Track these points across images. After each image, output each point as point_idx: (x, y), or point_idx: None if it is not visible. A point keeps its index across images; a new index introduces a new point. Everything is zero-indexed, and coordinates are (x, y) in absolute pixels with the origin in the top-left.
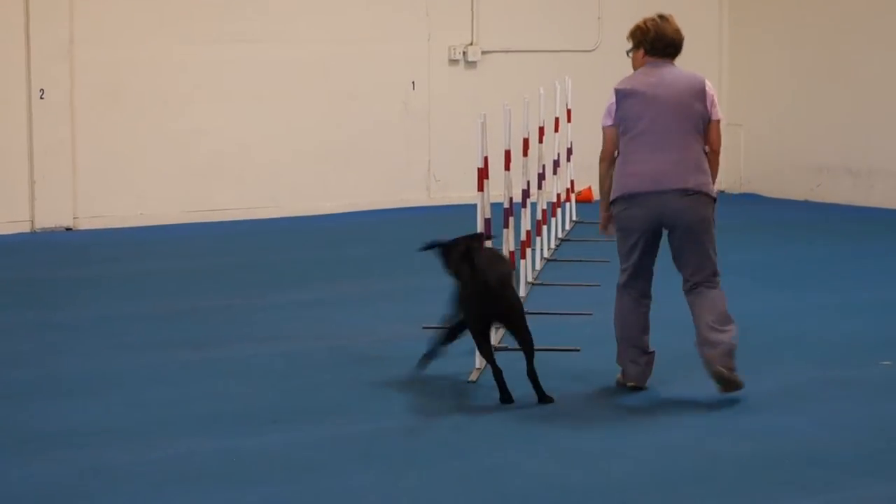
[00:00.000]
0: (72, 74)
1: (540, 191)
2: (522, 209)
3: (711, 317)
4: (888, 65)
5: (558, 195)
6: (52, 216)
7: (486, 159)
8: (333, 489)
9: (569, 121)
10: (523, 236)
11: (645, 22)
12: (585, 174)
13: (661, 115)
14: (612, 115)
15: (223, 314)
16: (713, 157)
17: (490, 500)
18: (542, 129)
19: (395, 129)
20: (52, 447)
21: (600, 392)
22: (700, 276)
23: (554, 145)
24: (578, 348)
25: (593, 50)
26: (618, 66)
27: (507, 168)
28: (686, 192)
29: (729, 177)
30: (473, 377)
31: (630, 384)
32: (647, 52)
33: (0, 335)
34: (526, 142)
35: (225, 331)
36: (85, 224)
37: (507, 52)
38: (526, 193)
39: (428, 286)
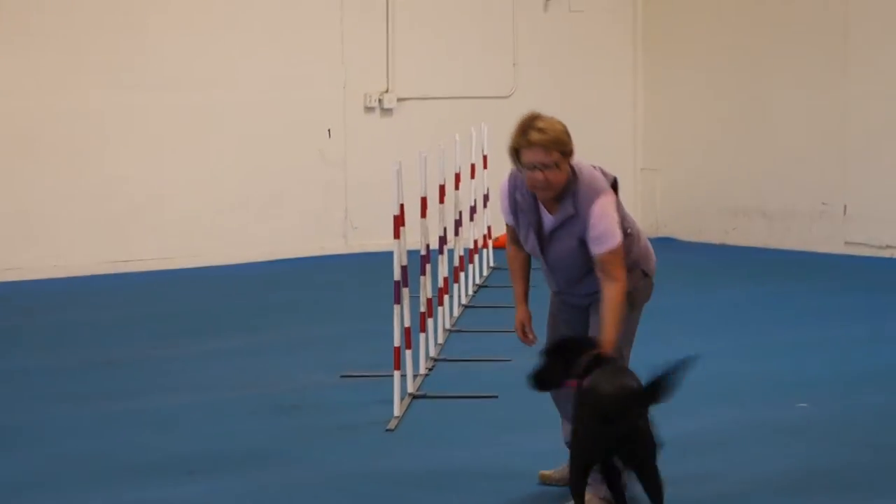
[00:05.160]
0: None
1: (457, 237)
2: (440, 256)
3: None
4: (801, 107)
5: (475, 241)
6: None
7: (402, 206)
8: None
9: (485, 167)
10: (441, 283)
11: (561, 122)
12: (501, 220)
13: None
14: (619, 218)
15: (140, 365)
16: None
17: None
18: (458, 176)
19: (311, 177)
20: None
21: (520, 439)
22: None
23: (470, 191)
24: (496, 395)
25: (509, 96)
26: (533, 110)
27: (424, 215)
28: None
29: (645, 220)
30: (392, 426)
31: None
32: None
33: None
34: (442, 188)
35: (142, 381)
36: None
37: (423, 98)
38: (443, 240)
39: (346, 333)
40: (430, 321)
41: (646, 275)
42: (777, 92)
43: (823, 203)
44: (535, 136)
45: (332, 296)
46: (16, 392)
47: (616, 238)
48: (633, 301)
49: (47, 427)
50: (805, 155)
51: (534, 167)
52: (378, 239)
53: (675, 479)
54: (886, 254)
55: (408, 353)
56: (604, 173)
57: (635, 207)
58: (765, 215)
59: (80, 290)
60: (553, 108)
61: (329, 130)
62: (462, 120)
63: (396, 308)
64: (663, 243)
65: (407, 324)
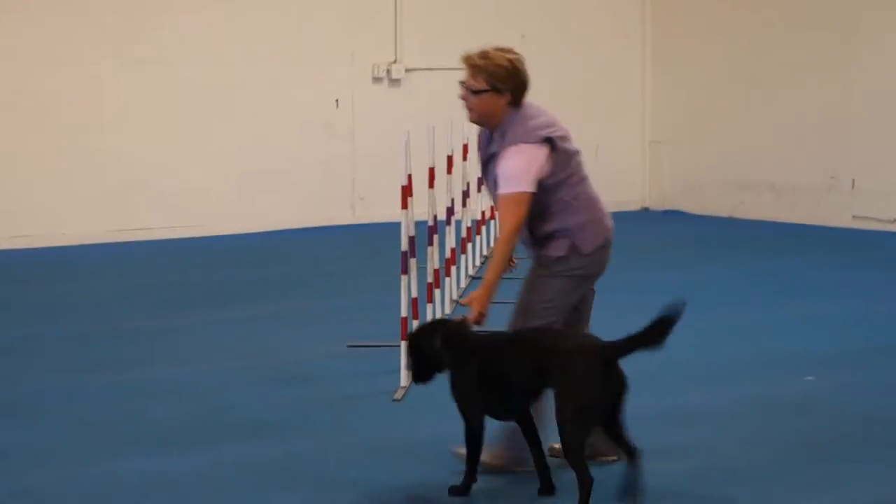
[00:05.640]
0: None
1: (464, 209)
2: (447, 227)
3: None
4: (810, 83)
5: (482, 213)
6: None
7: (409, 177)
8: None
9: None
10: (448, 254)
11: (512, 62)
12: None
13: (580, 152)
14: (539, 170)
15: (145, 335)
16: None
17: None
18: (465, 147)
19: (319, 148)
20: None
21: None
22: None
23: (477, 163)
24: None
25: None
26: (542, 83)
27: (432, 186)
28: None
29: (652, 193)
30: (398, 396)
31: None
32: (512, 101)
33: None
34: (450, 159)
35: (147, 351)
36: (5, 244)
37: (431, 69)
38: (450, 211)
39: (353, 305)
40: (437, 292)
41: (577, 250)
42: (785, 67)
43: (832, 177)
44: (473, 58)
45: (338, 267)
46: (21, 361)
47: (516, 184)
48: (558, 270)
49: (48, 396)
50: (812, 129)
51: (461, 85)
52: (385, 209)
53: (681, 453)
54: (894, 227)
55: (415, 323)
56: (557, 137)
57: (643, 180)
58: (773, 189)
59: (86, 258)
60: (561, 81)
61: (336, 101)
62: None
63: (403, 278)
64: (670, 216)
65: (414, 294)
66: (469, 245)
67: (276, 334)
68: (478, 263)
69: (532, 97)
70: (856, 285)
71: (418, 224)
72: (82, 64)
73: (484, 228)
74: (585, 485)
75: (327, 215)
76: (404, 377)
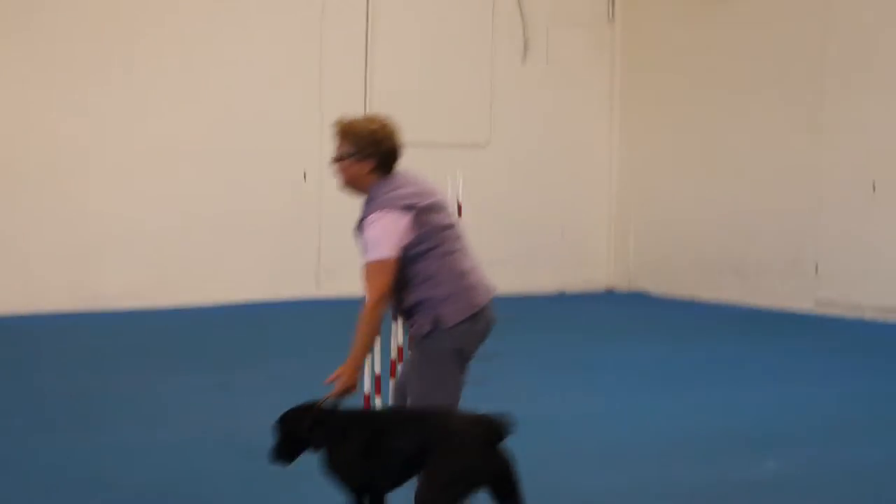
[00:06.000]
0: None
1: None
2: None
3: None
4: (776, 164)
5: None
6: None
7: None
8: None
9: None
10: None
11: (375, 130)
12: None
13: (455, 225)
14: (400, 237)
15: (109, 397)
16: None
17: None
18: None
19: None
20: None
21: None
22: None
23: None
24: None
25: (485, 146)
26: (505, 160)
27: None
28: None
29: (618, 272)
30: None
31: None
32: (377, 167)
33: None
34: None
35: (111, 413)
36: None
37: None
38: None
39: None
40: (399, 367)
41: (440, 324)
42: (751, 148)
43: (794, 261)
44: (339, 124)
45: (298, 338)
46: None
47: (377, 251)
48: (428, 349)
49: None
50: (778, 211)
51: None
52: (351, 285)
53: None
54: (856, 314)
55: (377, 399)
56: (423, 207)
57: (608, 258)
58: (736, 272)
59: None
60: (530, 158)
61: (304, 174)
62: (438, 168)
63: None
64: (635, 298)
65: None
66: None
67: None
68: None
69: (498, 173)
70: (817, 371)
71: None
72: (46, 116)
73: None
74: None
75: (286, 290)
76: None
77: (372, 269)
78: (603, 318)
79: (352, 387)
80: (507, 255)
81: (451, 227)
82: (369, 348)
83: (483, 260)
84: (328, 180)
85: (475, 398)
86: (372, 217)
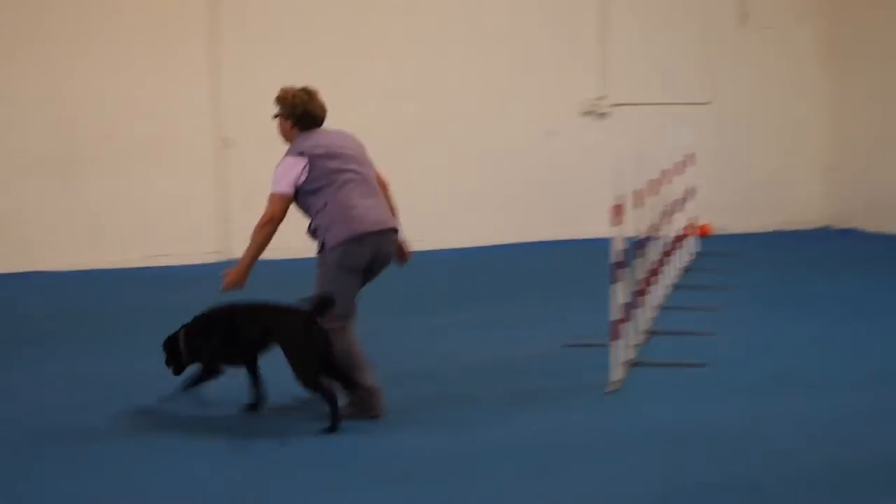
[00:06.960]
0: None
1: (666, 225)
2: (650, 242)
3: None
4: None
5: (682, 229)
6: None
7: (620, 198)
8: None
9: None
10: (652, 266)
11: (293, 97)
12: (705, 213)
13: (358, 168)
14: (296, 179)
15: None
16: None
17: None
18: (665, 172)
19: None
20: None
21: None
22: None
23: (680, 185)
24: (704, 363)
25: (709, 103)
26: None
27: (641, 205)
28: (394, 231)
29: (832, 212)
30: (611, 389)
31: (372, 414)
32: (295, 125)
33: None
34: (654, 182)
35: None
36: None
37: (635, 104)
38: (655, 227)
39: (566, 309)
40: (642, 298)
41: (325, 244)
42: None
43: None
44: (278, 91)
45: (550, 278)
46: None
47: (276, 186)
48: (324, 261)
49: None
50: None
51: None
52: (595, 226)
53: (840, 452)
54: None
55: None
56: (317, 155)
57: (822, 198)
58: None
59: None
60: (748, 113)
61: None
62: (667, 124)
63: (615, 287)
64: (850, 235)
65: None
66: (668, 258)
67: (500, 335)
68: (675, 274)
69: (722, 127)
70: None
71: (628, 240)
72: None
73: (681, 244)
74: (331, 399)
75: (539, 232)
76: (615, 372)
77: (271, 197)
78: (818, 254)
79: (238, 284)
80: (728, 197)
81: (343, 171)
82: (257, 256)
83: (704, 200)
84: (571, 140)
85: (711, 322)
86: (280, 160)
